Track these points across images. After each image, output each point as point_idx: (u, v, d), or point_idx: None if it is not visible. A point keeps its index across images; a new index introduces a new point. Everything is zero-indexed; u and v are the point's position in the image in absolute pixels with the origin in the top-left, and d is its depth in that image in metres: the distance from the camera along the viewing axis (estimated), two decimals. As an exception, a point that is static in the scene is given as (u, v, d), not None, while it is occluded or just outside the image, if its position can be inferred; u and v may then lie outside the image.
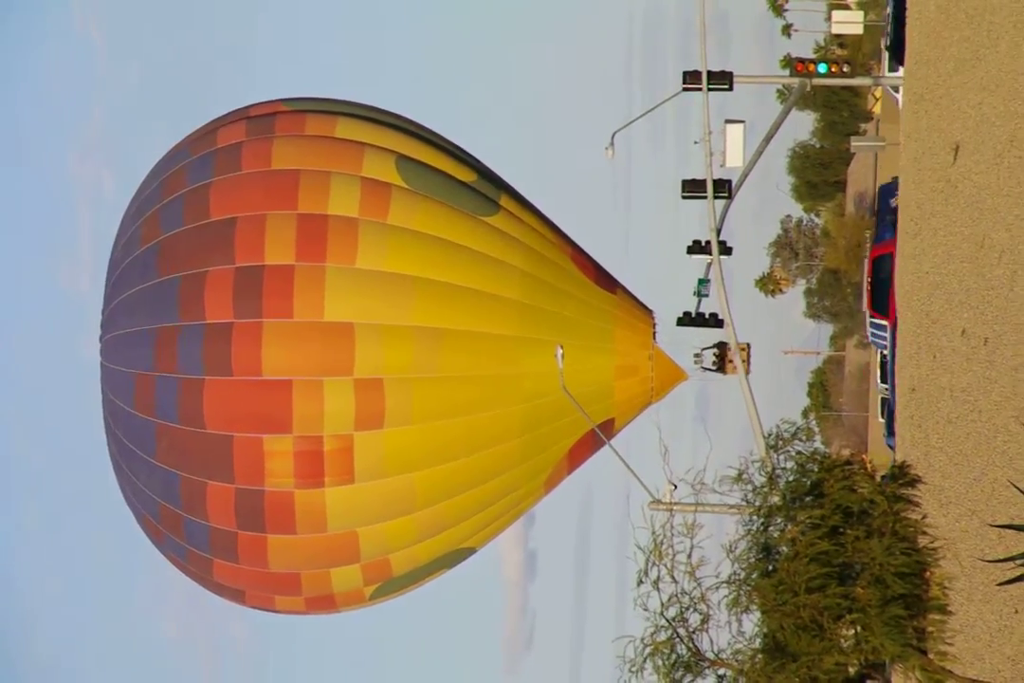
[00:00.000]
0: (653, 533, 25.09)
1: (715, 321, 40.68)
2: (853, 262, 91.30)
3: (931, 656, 23.49)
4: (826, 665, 23.32)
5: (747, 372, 34.79)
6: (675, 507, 27.64)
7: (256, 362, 30.78)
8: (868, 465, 25.29)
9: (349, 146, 33.06)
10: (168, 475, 32.09)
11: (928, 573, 23.93)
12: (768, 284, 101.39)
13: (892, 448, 40.99)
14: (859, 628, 23.54)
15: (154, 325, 31.97)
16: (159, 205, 33.29)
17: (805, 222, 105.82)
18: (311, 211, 31.71)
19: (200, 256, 31.73)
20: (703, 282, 41.30)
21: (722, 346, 35.03)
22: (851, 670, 24.08)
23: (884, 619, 23.24)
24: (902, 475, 25.08)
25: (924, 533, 24.16)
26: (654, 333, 34.35)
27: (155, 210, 33.29)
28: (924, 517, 24.42)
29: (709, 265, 40.53)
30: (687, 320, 41.30)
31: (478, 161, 35.32)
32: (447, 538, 33.14)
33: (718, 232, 38.55)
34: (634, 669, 24.59)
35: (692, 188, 39.66)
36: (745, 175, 40.59)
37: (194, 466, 31.60)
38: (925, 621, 23.71)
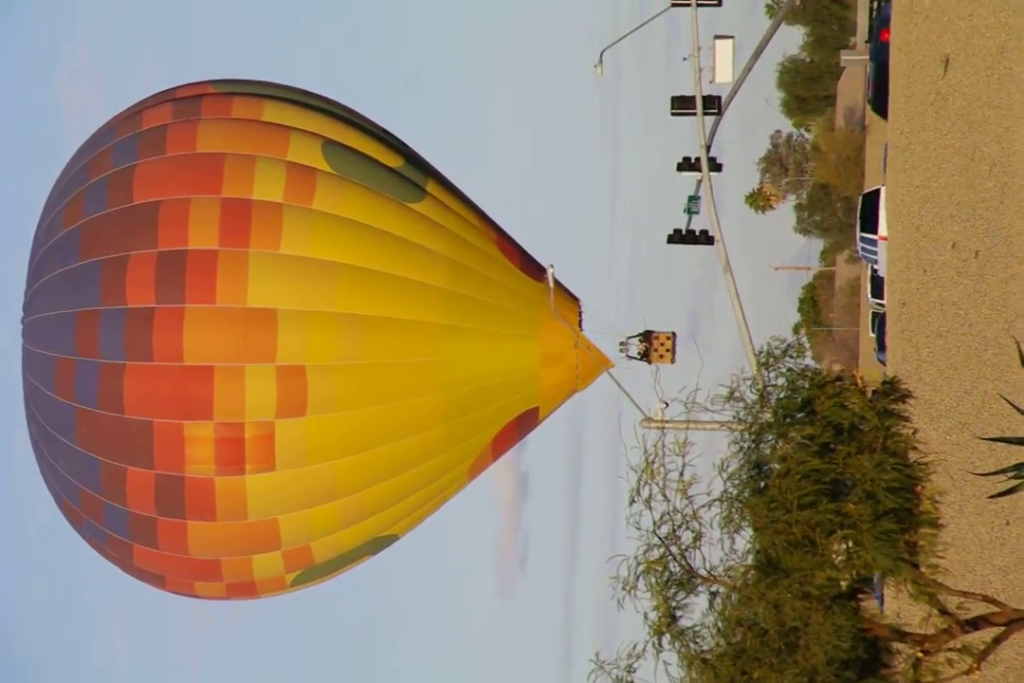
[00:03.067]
0: (645, 452, 25.10)
1: (705, 238, 40.63)
2: (843, 177, 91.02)
3: (922, 569, 23.61)
4: (818, 580, 23.40)
5: (672, 361, 34.75)
6: (667, 425, 27.66)
7: (178, 348, 30.58)
8: (859, 381, 25.27)
9: (275, 130, 32.81)
10: (88, 460, 31.87)
11: (919, 487, 23.99)
12: (758, 200, 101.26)
13: (883, 363, 41.02)
14: (851, 543, 23.62)
15: (75, 309, 31.67)
16: (83, 187, 32.92)
17: (795, 137, 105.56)
18: (235, 196, 31.44)
19: (122, 240, 31.44)
20: (693, 199, 41.24)
21: (648, 335, 34.86)
22: (843, 585, 24.19)
23: (875, 534, 23.31)
24: (893, 390, 25.06)
25: (915, 448, 24.21)
26: (580, 321, 34.09)
27: (79, 192, 32.93)
28: (915, 432, 24.45)
29: (699, 182, 40.43)
30: (677, 238, 41.24)
31: (406, 146, 35.07)
32: (369, 526, 33.09)
33: (708, 149, 38.39)
34: (627, 587, 24.68)
35: (681, 105, 39.49)
36: (734, 91, 40.37)
37: (114, 451, 31.41)
38: (916, 535, 23.80)
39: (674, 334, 34.93)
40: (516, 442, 34.37)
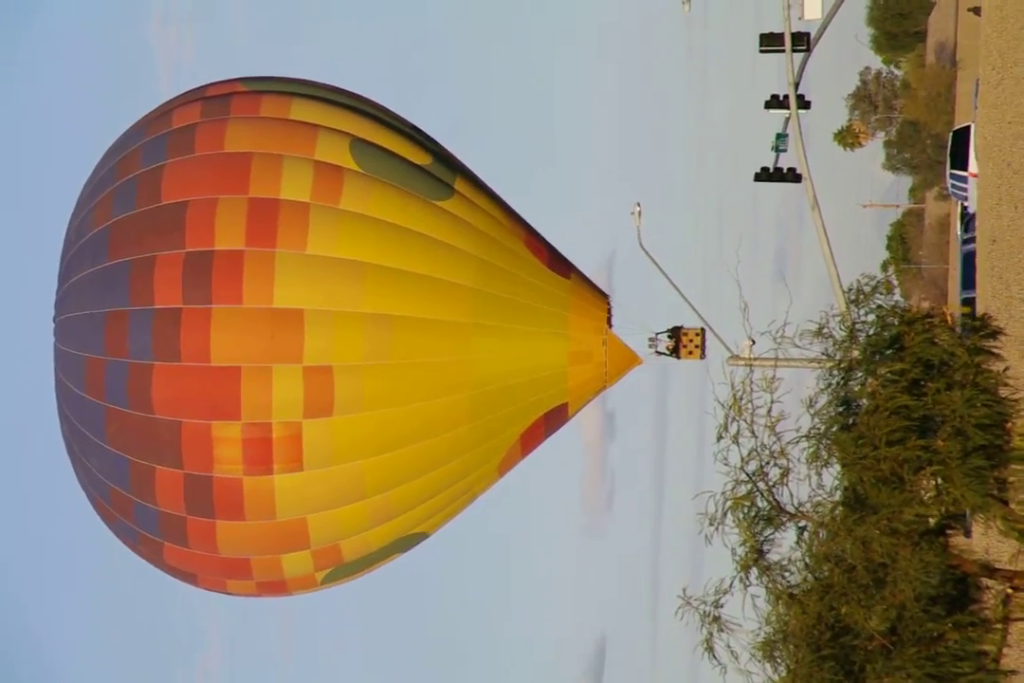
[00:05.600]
0: (732, 388, 25.16)
1: (793, 176, 40.40)
2: (933, 113, 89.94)
3: (1012, 506, 23.58)
4: (906, 517, 23.45)
5: (702, 357, 34.60)
6: (754, 362, 27.65)
7: (205, 348, 30.64)
8: (948, 317, 25.18)
9: (303, 128, 32.70)
10: (118, 459, 32.07)
11: (1009, 424, 23.94)
12: (847, 137, 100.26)
13: (972, 300, 40.62)
14: (939, 480, 23.64)
15: (104, 309, 31.82)
16: (113, 187, 33.03)
17: (884, 74, 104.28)
18: (262, 195, 31.42)
19: (150, 240, 31.50)
20: (781, 137, 40.94)
21: (676, 331, 34.69)
22: (931, 521, 24.21)
23: (965, 470, 23.33)
24: (983, 326, 24.95)
25: (1006, 384, 24.13)
26: (609, 317, 33.95)
27: (109, 192, 33.03)
28: (1006, 369, 24.38)
29: (787, 120, 40.10)
30: (765, 175, 41.02)
31: (434, 142, 34.85)
32: (398, 524, 33.10)
33: (796, 86, 38.09)
34: (715, 523, 24.83)
35: (770, 42, 39.14)
36: (824, 27, 40.00)
37: (143, 451, 31.57)
38: (1006, 471, 23.78)
39: (703, 330, 34.80)
40: (545, 438, 34.31)
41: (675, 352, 34.61)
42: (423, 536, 34.32)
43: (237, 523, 31.47)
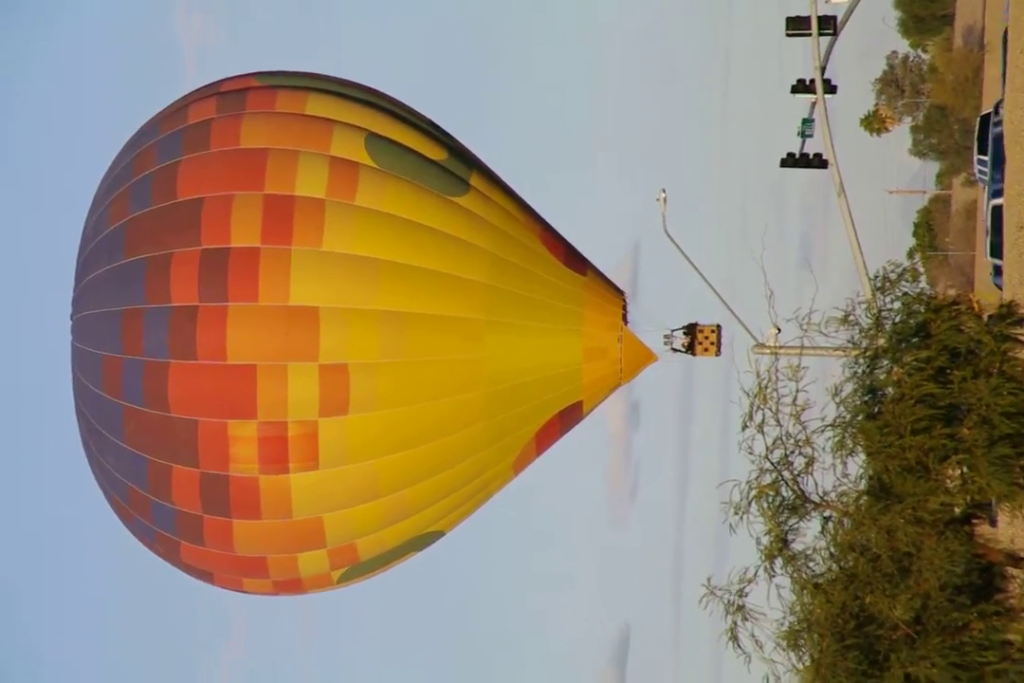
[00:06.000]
0: (758, 377, 25.07)
1: (819, 161, 40.23)
2: (961, 98, 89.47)
3: (1038, 495, 23.45)
4: (931, 506, 23.38)
5: (717, 354, 34.51)
6: (779, 351, 27.54)
7: (221, 347, 30.62)
8: (975, 305, 25.02)
9: (319, 124, 32.66)
10: (135, 458, 32.11)
11: (1036, 413, 23.77)
12: (873, 122, 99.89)
13: (999, 287, 40.48)
14: (965, 468, 23.55)
15: (121, 307, 31.83)
16: (129, 183, 33.03)
17: (912, 58, 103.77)
18: (278, 192, 31.38)
19: (166, 238, 31.50)
20: (807, 122, 40.77)
21: (692, 327, 34.57)
22: (957, 510, 24.11)
23: (991, 459, 23.23)
24: (1010, 314, 24.81)
25: (1033, 372, 23.96)
26: (624, 314, 33.84)
27: (125, 188, 33.03)
28: (1033, 356, 24.20)
29: (813, 104, 39.92)
30: (791, 161, 40.85)
31: (450, 137, 34.79)
32: (414, 523, 33.09)
33: (823, 70, 37.93)
34: (739, 512, 24.76)
35: (796, 25, 38.95)
36: (851, 11, 39.80)
37: (160, 450, 31.61)
38: (1033, 460, 23.63)
39: (719, 326, 34.71)
40: (560, 436, 34.27)
41: (690, 349, 34.56)
42: (439, 534, 34.33)
43: (253, 522, 31.51)
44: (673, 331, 34.70)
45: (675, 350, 34.65)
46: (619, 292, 34.14)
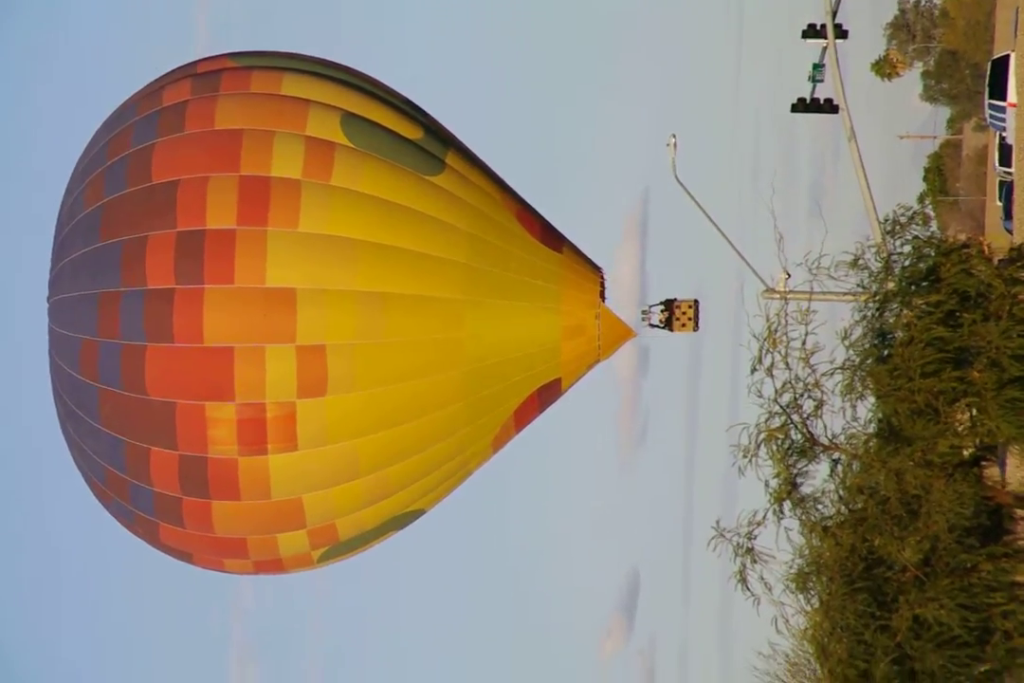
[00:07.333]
0: (767, 321, 25.12)
1: (830, 107, 40.08)
2: (972, 43, 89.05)
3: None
4: (940, 448, 23.49)
5: (695, 329, 34.42)
6: (789, 295, 27.56)
7: (198, 329, 30.59)
8: (985, 249, 25.02)
9: (294, 103, 32.54)
10: (113, 440, 32.11)
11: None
12: (884, 67, 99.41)
13: (1010, 231, 40.45)
14: (974, 411, 23.63)
15: (97, 290, 31.74)
16: (104, 166, 32.90)
17: (923, 2, 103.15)
18: (254, 173, 31.27)
19: (142, 220, 31.42)
20: (818, 67, 40.57)
21: (669, 303, 34.49)
22: (965, 453, 24.21)
23: (1000, 402, 23.31)
24: (1020, 257, 24.82)
25: (1043, 316, 23.99)
26: (602, 291, 33.81)
27: (100, 171, 32.92)
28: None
29: (824, 49, 39.72)
30: (801, 106, 40.70)
31: (426, 115, 34.70)
32: (393, 502, 33.11)
33: (834, 15, 37.75)
34: (748, 455, 24.87)
35: (806, -31, 38.67)
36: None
37: (138, 432, 31.59)
38: (1042, 403, 23.68)
39: (696, 301, 34.63)
40: (539, 413, 34.32)
41: (668, 325, 34.56)
42: (420, 512, 34.37)
43: (232, 503, 31.51)
44: (651, 306, 34.70)
45: (653, 326, 34.66)
46: (596, 269, 34.13)
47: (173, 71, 34.56)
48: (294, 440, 30.97)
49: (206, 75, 33.55)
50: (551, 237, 34.07)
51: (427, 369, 31.88)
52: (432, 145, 33.38)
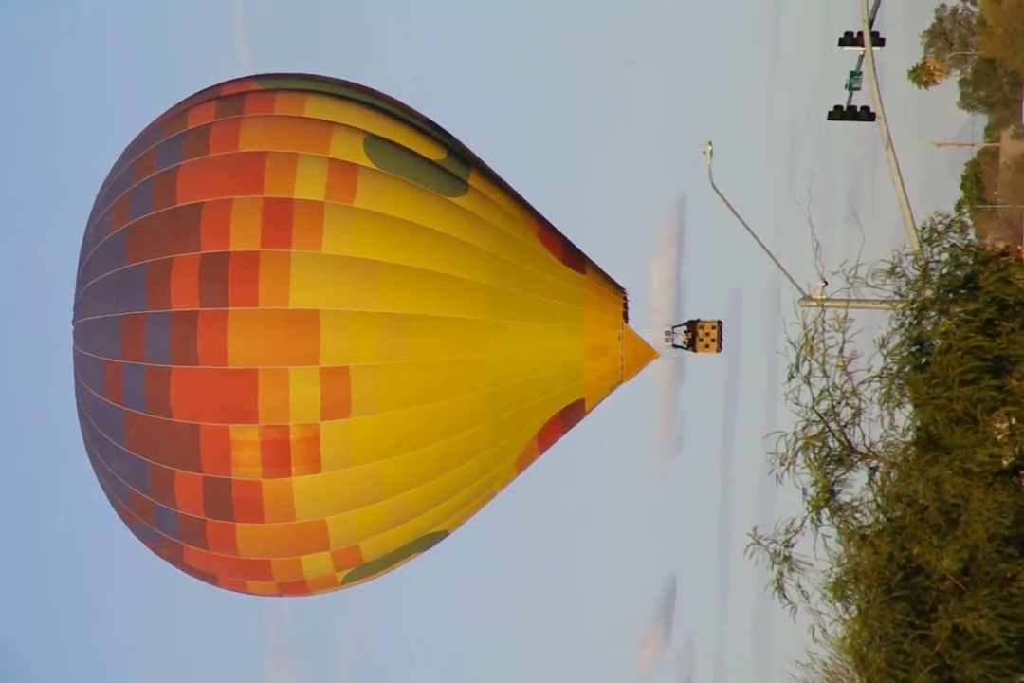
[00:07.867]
0: (804, 328, 25.08)
1: (867, 114, 40.04)
2: (1010, 50, 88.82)
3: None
4: (979, 457, 23.39)
5: (718, 350, 34.37)
6: (826, 303, 27.52)
7: (222, 351, 30.73)
8: (1024, 257, 24.93)
9: (317, 126, 32.68)
10: (137, 462, 32.27)
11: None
12: (921, 75, 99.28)
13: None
14: (1013, 420, 23.52)
15: (122, 312, 31.94)
16: (129, 189, 33.10)
17: (960, 10, 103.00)
18: (277, 195, 31.43)
19: (166, 243, 31.60)
20: (855, 75, 40.53)
21: (693, 324, 34.47)
22: (1005, 462, 24.10)
23: (1039, 410, 23.16)
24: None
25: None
26: (624, 311, 33.80)
27: (125, 194, 33.13)
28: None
29: (861, 57, 39.70)
30: (838, 114, 40.69)
31: (449, 136, 34.74)
32: (417, 524, 33.17)
33: (871, 23, 37.72)
34: (786, 463, 24.81)
35: (844, -23, 38.66)
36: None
37: (162, 454, 31.76)
38: (1080, 411, 23.58)
39: (720, 322, 34.61)
40: (562, 434, 34.31)
41: (691, 345, 34.56)
42: (443, 534, 34.39)
43: (256, 525, 31.64)
44: (674, 327, 34.71)
45: (676, 346, 34.66)
46: (619, 289, 34.09)
47: (198, 93, 34.76)
48: (318, 462, 31.07)
49: (231, 98, 33.72)
50: (574, 257, 34.07)
51: (450, 390, 31.92)
52: (455, 166, 33.46)
